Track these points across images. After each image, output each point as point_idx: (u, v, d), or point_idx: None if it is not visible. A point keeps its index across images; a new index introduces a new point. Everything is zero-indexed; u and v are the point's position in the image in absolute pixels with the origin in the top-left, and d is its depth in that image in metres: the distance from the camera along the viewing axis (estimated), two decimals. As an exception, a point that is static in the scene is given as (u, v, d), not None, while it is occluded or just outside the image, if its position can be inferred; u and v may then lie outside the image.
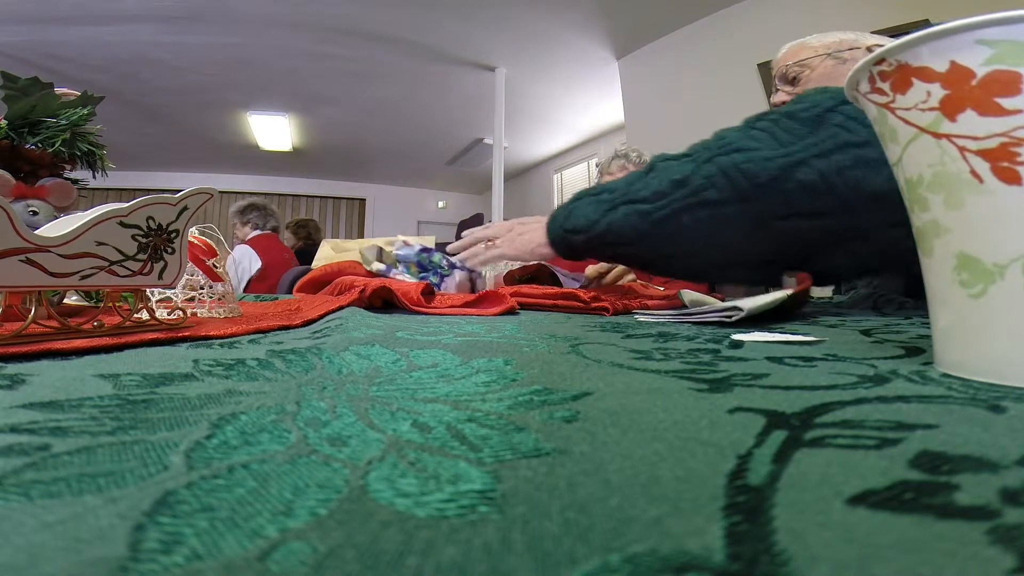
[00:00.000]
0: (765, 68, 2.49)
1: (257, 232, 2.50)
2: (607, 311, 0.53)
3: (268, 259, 2.35)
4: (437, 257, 0.83)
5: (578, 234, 0.65)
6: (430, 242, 0.88)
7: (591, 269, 0.98)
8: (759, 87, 2.52)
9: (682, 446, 0.12)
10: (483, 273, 0.87)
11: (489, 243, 0.77)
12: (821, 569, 0.07)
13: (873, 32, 0.87)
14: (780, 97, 0.81)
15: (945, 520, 0.08)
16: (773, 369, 0.21)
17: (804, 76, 0.77)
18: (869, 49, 0.73)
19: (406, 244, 0.87)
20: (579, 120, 4.41)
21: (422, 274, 0.82)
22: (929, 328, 0.37)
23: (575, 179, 5.33)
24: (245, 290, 2.22)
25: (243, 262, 2.30)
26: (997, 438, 0.12)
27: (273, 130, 4.56)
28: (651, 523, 0.08)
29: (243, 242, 2.45)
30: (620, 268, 1.01)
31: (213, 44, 3.11)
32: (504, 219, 4.39)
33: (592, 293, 0.59)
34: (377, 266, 0.79)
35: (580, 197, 0.67)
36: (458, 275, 0.82)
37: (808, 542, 0.08)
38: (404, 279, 0.77)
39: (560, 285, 0.82)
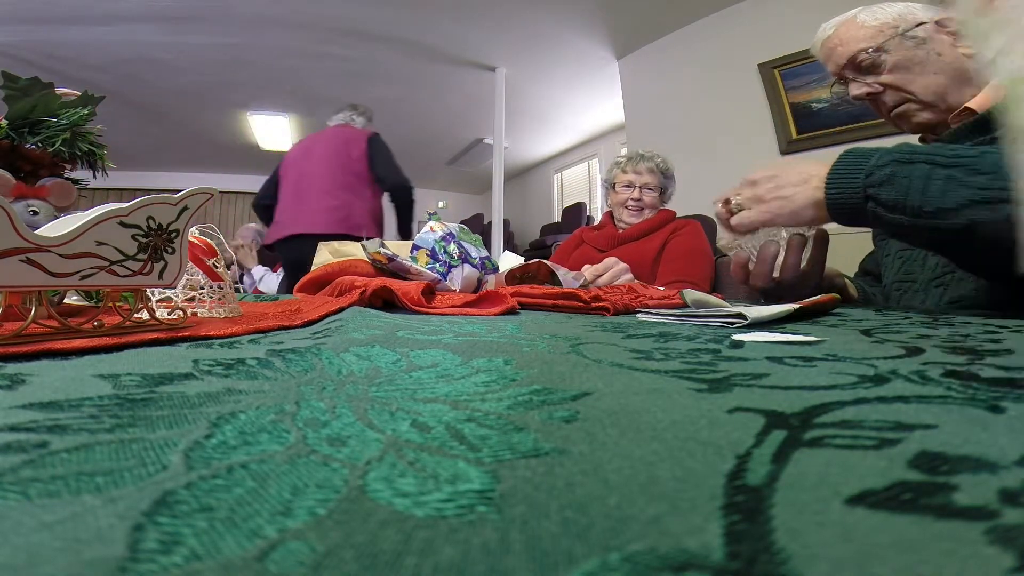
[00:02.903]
0: (765, 68, 2.49)
1: None
2: (608, 311, 0.53)
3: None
4: (452, 247, 0.83)
5: (896, 212, 0.49)
6: (405, 248, 0.87)
7: (589, 271, 0.98)
8: (759, 87, 2.53)
9: (681, 446, 0.12)
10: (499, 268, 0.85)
11: (727, 202, 0.63)
12: (820, 568, 0.07)
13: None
14: (862, 89, 0.73)
15: (944, 520, 0.08)
16: (773, 369, 0.21)
17: (882, 61, 0.71)
18: (939, 23, 0.69)
19: (431, 230, 0.86)
20: (579, 120, 4.41)
21: (430, 264, 0.82)
22: (928, 328, 0.37)
23: (575, 179, 5.33)
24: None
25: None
26: (996, 438, 0.12)
27: (273, 130, 4.56)
28: (650, 522, 0.08)
29: None
30: (617, 268, 1.01)
31: (213, 44, 3.11)
32: (504, 219, 4.27)
33: (593, 293, 0.59)
34: (384, 251, 0.77)
35: (907, 160, 0.49)
36: (467, 269, 0.82)
37: (807, 541, 0.08)
38: (412, 266, 0.76)
39: (560, 285, 0.82)
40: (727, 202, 0.64)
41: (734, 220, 0.62)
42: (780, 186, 0.58)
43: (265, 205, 2.11)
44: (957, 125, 0.68)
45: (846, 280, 0.82)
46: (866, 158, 0.52)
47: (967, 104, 0.67)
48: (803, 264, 0.65)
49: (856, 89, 0.74)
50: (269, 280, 2.55)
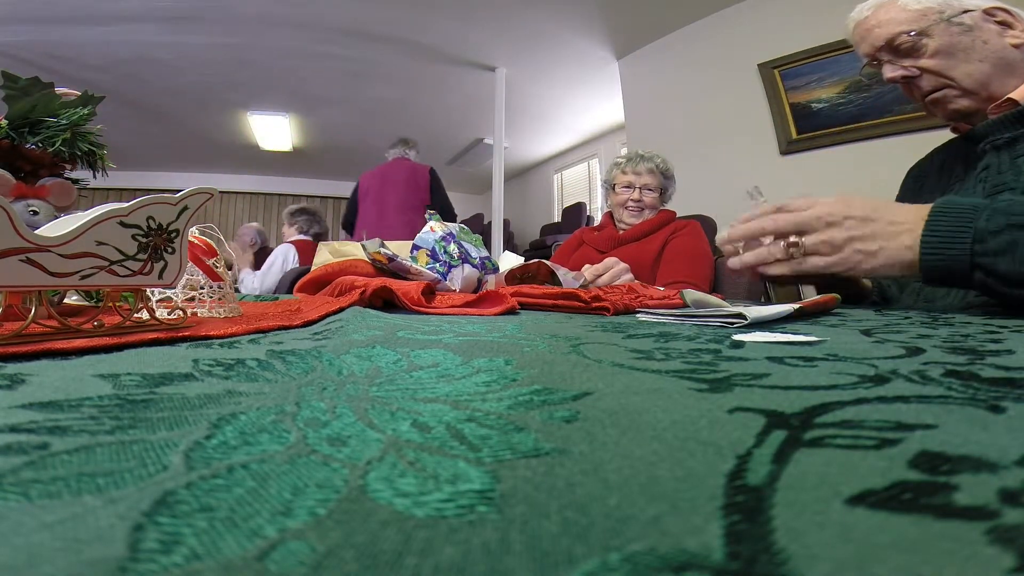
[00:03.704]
0: (765, 68, 2.49)
1: (300, 236, 2.70)
2: (608, 311, 0.53)
3: (304, 263, 2.53)
4: (452, 247, 0.83)
5: (1017, 287, 0.44)
6: (405, 248, 0.87)
7: (589, 271, 0.98)
8: (759, 87, 2.53)
9: (681, 446, 0.12)
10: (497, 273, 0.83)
11: (792, 244, 0.54)
12: (820, 568, 0.07)
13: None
14: (898, 72, 0.71)
15: (944, 520, 0.08)
16: (773, 369, 0.21)
17: (923, 45, 0.68)
18: (987, 12, 0.67)
19: (431, 230, 0.86)
20: (579, 120, 4.41)
21: (430, 264, 0.82)
22: (928, 328, 0.37)
23: (575, 179, 5.33)
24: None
25: (288, 259, 2.52)
26: (996, 438, 0.12)
27: (273, 130, 4.56)
28: (650, 522, 0.08)
29: (287, 241, 2.68)
30: (617, 268, 1.01)
31: (213, 44, 3.11)
32: (504, 219, 4.31)
33: (593, 293, 0.59)
34: (384, 251, 0.77)
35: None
36: (467, 269, 0.82)
37: (807, 541, 0.08)
38: (412, 266, 0.76)
39: (560, 285, 0.82)
40: (794, 244, 0.54)
41: (798, 267, 0.54)
42: (864, 237, 0.50)
43: (352, 223, 2.75)
44: (996, 116, 0.67)
45: None
46: (970, 216, 0.46)
47: (1010, 95, 0.66)
48: None
49: (891, 71, 0.72)
50: (248, 281, 2.60)
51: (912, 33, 0.69)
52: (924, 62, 0.69)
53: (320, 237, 2.75)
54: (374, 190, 2.65)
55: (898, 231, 0.50)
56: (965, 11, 0.68)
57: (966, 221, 0.46)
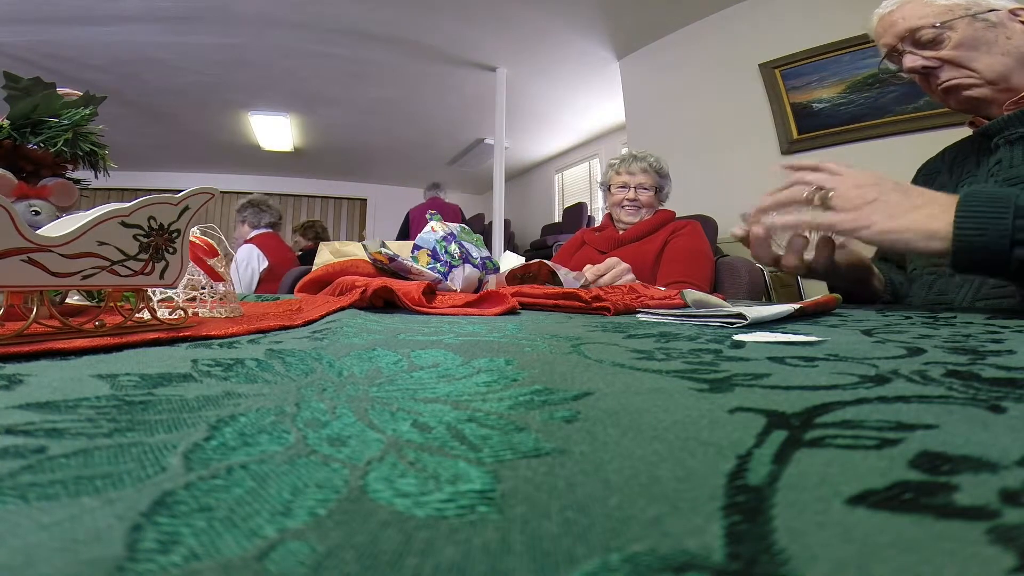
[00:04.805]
0: (766, 68, 2.49)
1: (256, 231, 2.54)
2: (608, 311, 0.53)
3: (274, 257, 2.40)
4: (453, 247, 0.83)
5: None
6: (406, 248, 0.87)
7: (590, 271, 0.98)
8: (760, 87, 2.52)
9: (682, 446, 0.12)
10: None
11: (818, 188, 0.55)
12: (820, 568, 0.07)
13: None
14: (918, 61, 0.71)
15: (945, 520, 0.08)
16: (774, 369, 0.21)
17: (945, 38, 0.69)
18: (1013, 12, 0.68)
19: (432, 230, 0.86)
20: (580, 120, 4.41)
21: (431, 264, 0.82)
22: (929, 328, 0.37)
23: (576, 179, 5.33)
24: (256, 289, 2.27)
25: (251, 261, 2.36)
26: (997, 438, 0.12)
27: (274, 130, 4.57)
28: (650, 523, 0.08)
29: (245, 241, 2.50)
30: (619, 269, 1.01)
31: (214, 44, 3.11)
32: (505, 219, 4.49)
33: (593, 293, 0.59)
34: (385, 251, 0.77)
35: None
36: (468, 269, 0.82)
37: (807, 541, 0.08)
38: (412, 266, 0.76)
39: (561, 285, 0.81)
40: (820, 188, 0.56)
41: (811, 217, 0.56)
42: (888, 202, 0.51)
43: None
44: (1013, 111, 0.67)
45: (872, 266, 0.81)
46: (1006, 196, 0.46)
47: None
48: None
49: (911, 61, 0.71)
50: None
51: (936, 24, 0.68)
52: (946, 53, 0.69)
53: (275, 226, 2.57)
54: (424, 221, 3.36)
55: (924, 203, 0.50)
56: (991, 10, 0.68)
57: (1003, 200, 0.46)
